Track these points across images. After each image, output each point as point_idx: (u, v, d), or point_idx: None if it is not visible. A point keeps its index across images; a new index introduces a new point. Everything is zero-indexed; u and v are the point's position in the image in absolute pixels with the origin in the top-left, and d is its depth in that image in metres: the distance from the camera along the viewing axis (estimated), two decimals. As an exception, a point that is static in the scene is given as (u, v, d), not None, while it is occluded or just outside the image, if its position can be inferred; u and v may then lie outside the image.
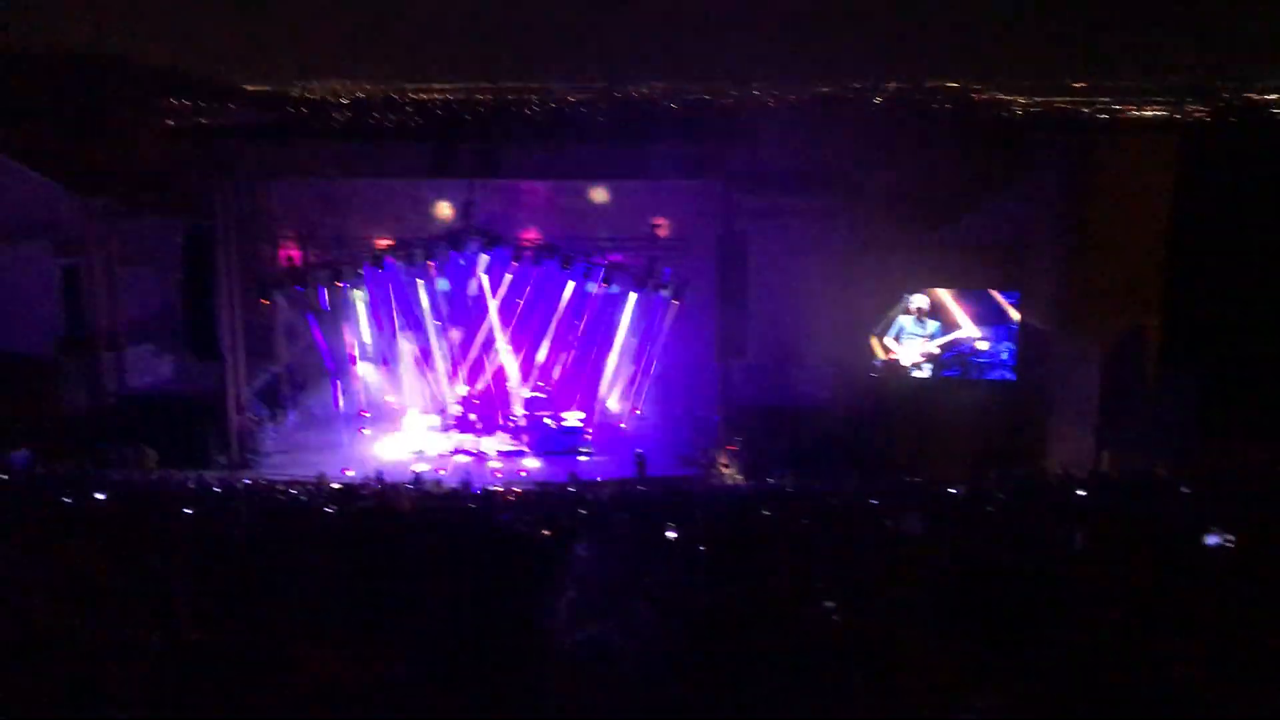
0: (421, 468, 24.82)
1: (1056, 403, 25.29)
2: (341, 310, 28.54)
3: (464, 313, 29.31)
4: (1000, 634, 4.12)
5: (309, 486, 21.82)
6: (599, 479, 24.49)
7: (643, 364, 29.15)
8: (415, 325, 29.20)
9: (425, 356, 29.36)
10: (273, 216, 29.42)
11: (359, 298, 28.43)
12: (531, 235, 28.13)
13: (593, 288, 28.23)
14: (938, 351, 26.19)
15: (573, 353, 29.43)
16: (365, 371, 29.17)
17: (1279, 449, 20.13)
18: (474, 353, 29.50)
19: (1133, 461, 21.62)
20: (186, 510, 15.33)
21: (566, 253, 27.74)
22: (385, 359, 29.30)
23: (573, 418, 28.36)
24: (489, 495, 20.64)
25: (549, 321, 29.07)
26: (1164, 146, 25.49)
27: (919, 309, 26.16)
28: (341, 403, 29.04)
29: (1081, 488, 18.19)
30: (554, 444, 27.40)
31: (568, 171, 26.62)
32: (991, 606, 4.11)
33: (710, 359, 26.60)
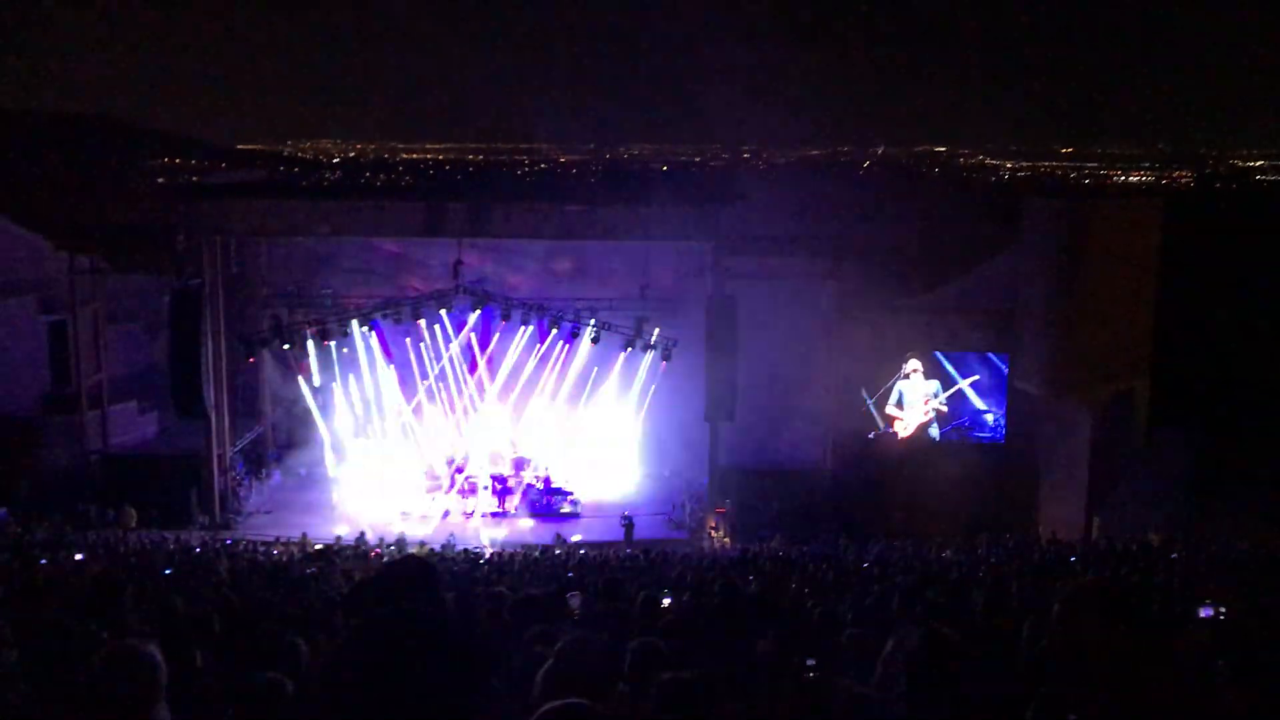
0: (407, 528, 24.51)
1: (1047, 466, 25.18)
2: (328, 368, 28.36)
3: (451, 371, 29.15)
4: (989, 702, 3.95)
5: (291, 547, 21.52)
6: (585, 542, 24.24)
7: (629, 424, 29.00)
8: (402, 384, 29.04)
9: (412, 415, 29.14)
10: (261, 275, 29.41)
11: (345, 356, 28.26)
12: (520, 294, 28.11)
13: (581, 347, 28.16)
14: (944, 408, 26.14)
15: (559, 412, 29.27)
16: (352, 430, 28.91)
17: (1271, 510, 20.02)
18: (460, 412, 29.31)
19: (1124, 526, 21.46)
20: (166, 570, 15.03)
21: (555, 312, 27.69)
22: (372, 417, 29.06)
23: (559, 479, 28.11)
24: (474, 557, 20.35)
25: (536, 380, 28.94)
26: (1151, 211, 25.70)
27: (914, 370, 26.15)
28: (330, 462, 28.74)
29: (1072, 554, 18.03)
30: (541, 506, 27.11)
31: (558, 231, 26.66)
32: (977, 677, 3.95)
33: (699, 420, 26.42)
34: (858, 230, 27.00)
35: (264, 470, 28.51)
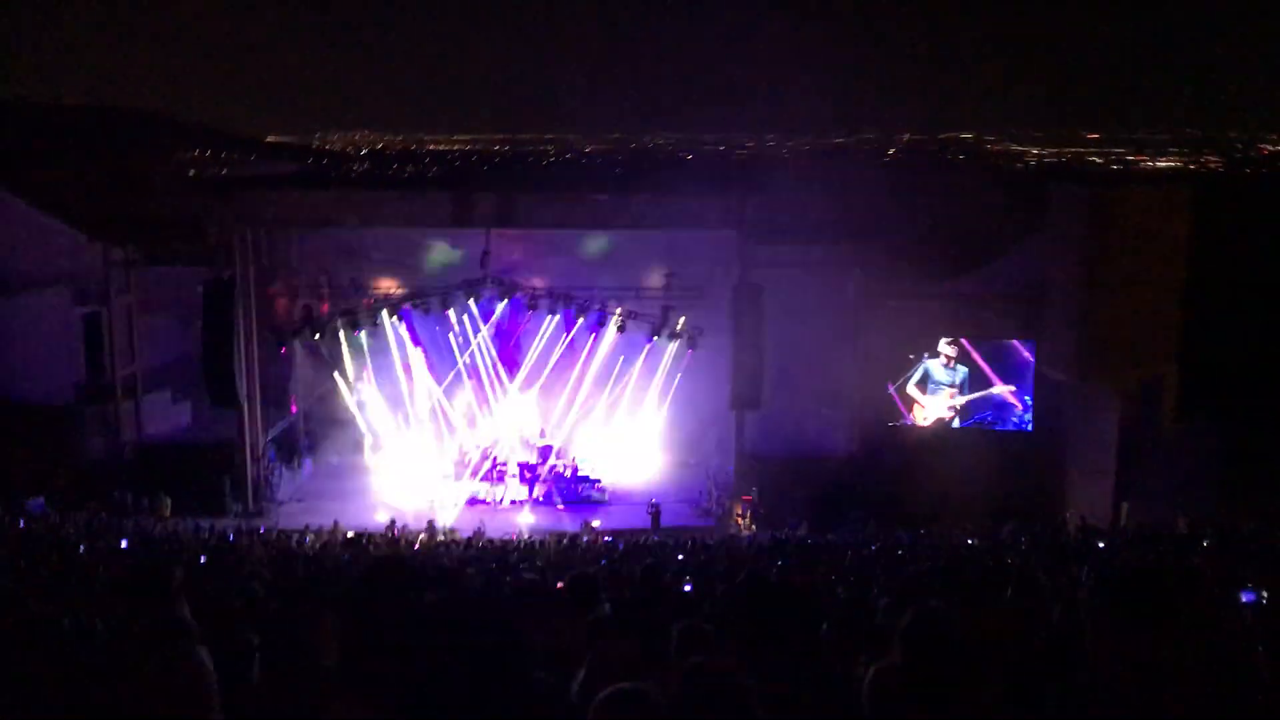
0: (436, 516, 24.75)
1: (1074, 453, 25.11)
2: (359, 358, 28.66)
3: (479, 360, 29.37)
4: (1016, 691, 4.04)
5: (324, 534, 21.80)
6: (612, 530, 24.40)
7: (655, 412, 29.14)
8: (431, 372, 29.31)
9: (440, 404, 29.41)
10: (292, 266, 29.70)
11: (375, 345, 28.53)
12: (547, 284, 28.26)
13: (607, 336, 28.30)
14: (962, 405, 26.09)
15: (586, 401, 29.44)
16: (382, 419, 29.19)
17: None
18: (489, 400, 29.53)
19: (1152, 512, 21.40)
20: (201, 558, 15.32)
21: (582, 301, 27.84)
22: (401, 407, 29.34)
23: (586, 467, 28.30)
24: (503, 545, 20.57)
25: (563, 370, 29.12)
26: (1179, 197, 25.50)
27: (948, 355, 26.04)
28: (361, 451, 29.05)
29: (1100, 540, 18.02)
30: (568, 494, 27.31)
31: (584, 221, 26.78)
32: (1005, 666, 4.04)
33: (725, 408, 26.53)
34: (883, 217, 26.91)
35: (296, 459, 28.84)
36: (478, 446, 28.91)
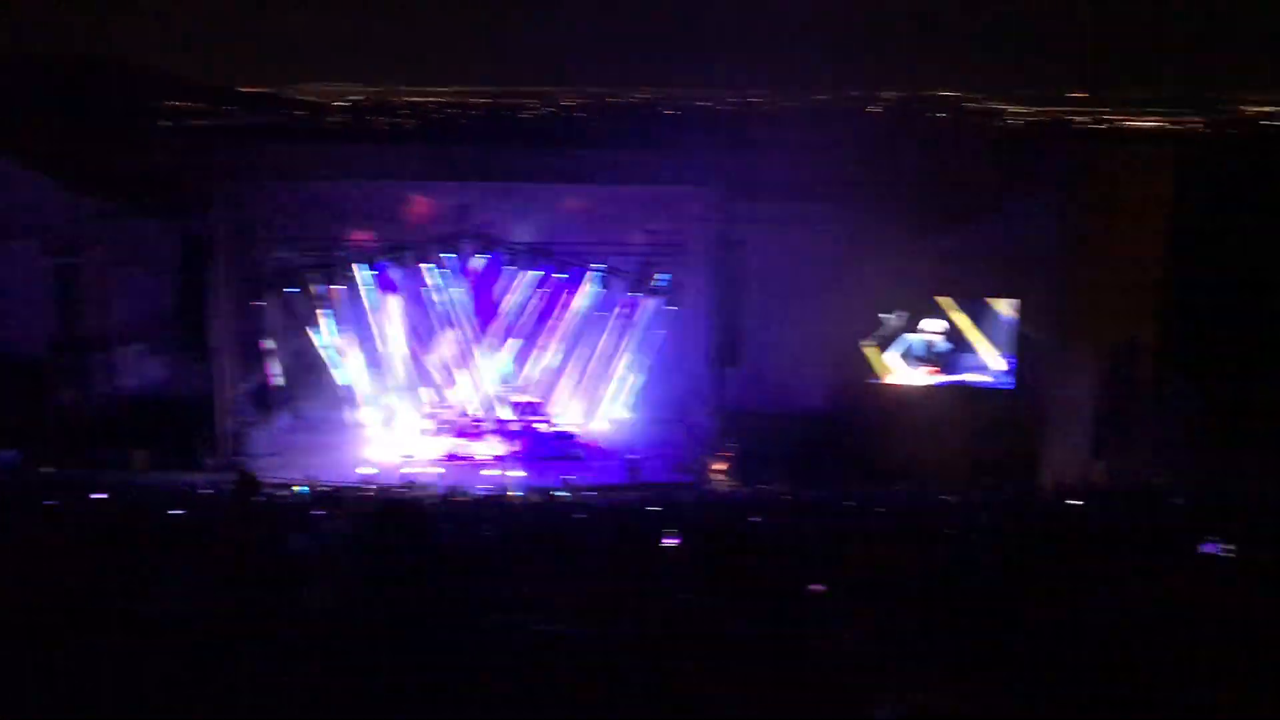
0: (413, 471, 24.68)
1: (1053, 412, 25.22)
2: (335, 311, 28.42)
3: (457, 316, 29.17)
4: (985, 641, 4.00)
5: (296, 488, 21.67)
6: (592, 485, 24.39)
7: (634, 368, 29.10)
8: (409, 328, 29.11)
9: (417, 359, 29.24)
10: (267, 218, 29.30)
11: (351, 299, 28.31)
12: (527, 239, 28.04)
13: (586, 291, 28.17)
14: (937, 373, 26.16)
15: (565, 357, 29.35)
16: (358, 373, 29.00)
17: (1275, 457, 20.06)
18: (466, 356, 29.37)
19: (1129, 471, 21.55)
20: (174, 511, 15.20)
21: (561, 256, 27.67)
22: (377, 361, 29.15)
23: (565, 423, 28.26)
24: (479, 501, 20.51)
25: (542, 325, 29.00)
26: (1162, 157, 25.48)
27: (935, 332, 26.06)
28: (337, 406, 28.90)
29: (1076, 498, 18.13)
30: (546, 449, 27.26)
31: (564, 176, 26.54)
32: (978, 615, 4.00)
33: (705, 365, 26.48)
34: (865, 176, 26.73)
35: (271, 414, 28.65)
36: (455, 402, 28.80)
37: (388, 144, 29.20)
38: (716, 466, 25.38)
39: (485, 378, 29.26)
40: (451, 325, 29.17)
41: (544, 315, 28.94)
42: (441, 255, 27.68)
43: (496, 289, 29.04)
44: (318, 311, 28.41)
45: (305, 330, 28.99)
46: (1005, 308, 25.84)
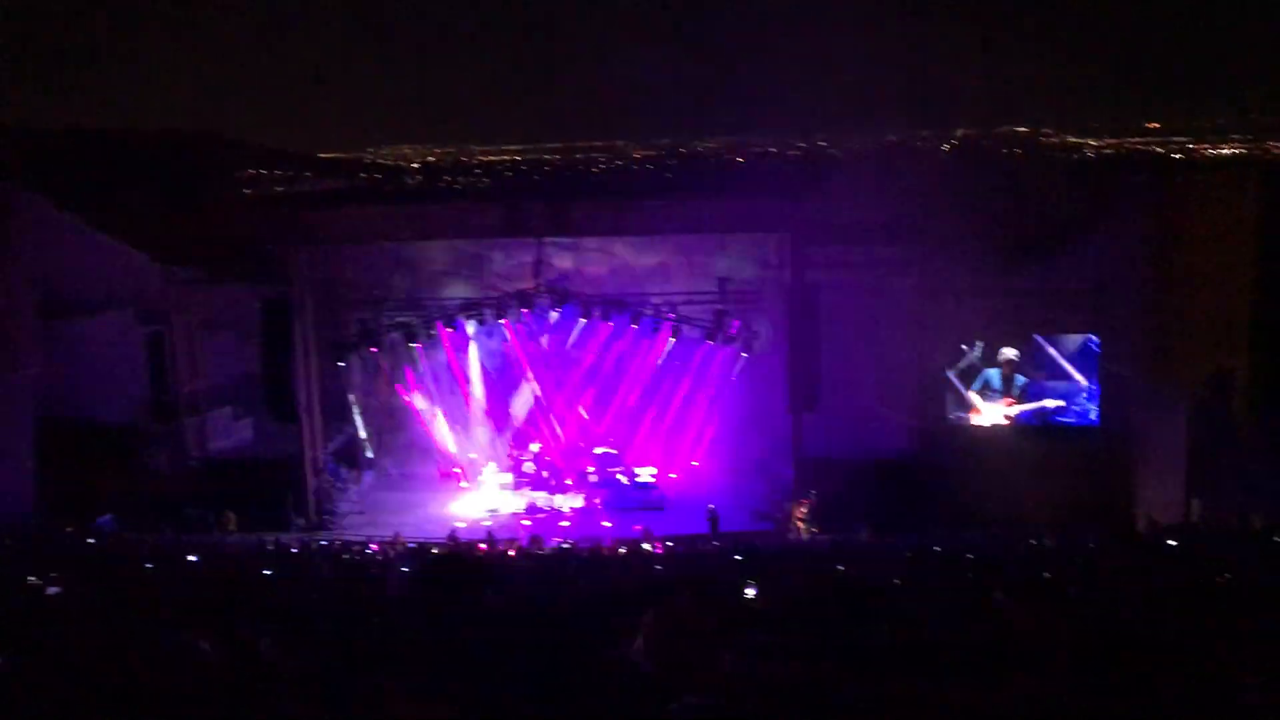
0: (495, 525, 24.82)
1: (1144, 450, 24.55)
2: (416, 370, 28.95)
3: (535, 370, 29.48)
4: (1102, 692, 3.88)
5: (385, 546, 21.92)
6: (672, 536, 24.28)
7: (712, 417, 29.05)
8: (487, 383, 29.50)
9: (497, 414, 29.58)
10: (347, 281, 30.03)
11: (432, 357, 28.79)
12: (600, 291, 28.29)
13: (661, 342, 28.27)
14: (1015, 413, 25.59)
15: (644, 408, 29.44)
16: (441, 430, 29.41)
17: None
18: (545, 409, 29.62)
19: (1225, 510, 20.84)
20: (265, 571, 15.47)
21: (636, 308, 27.83)
22: (460, 417, 29.54)
23: (645, 473, 28.25)
24: (562, 554, 20.54)
25: (618, 377, 29.15)
26: (1246, 183, 24.82)
27: (1008, 363, 25.54)
28: (420, 462, 29.32)
29: (1172, 537, 17.57)
30: (627, 501, 27.26)
31: (636, 227, 26.78)
32: (1090, 664, 3.88)
33: (783, 411, 26.33)
34: (940, 215, 26.50)
35: (356, 472, 29.13)
36: (535, 455, 29.01)
37: (462, 203, 29.69)
38: (797, 514, 25.14)
39: (564, 431, 29.45)
40: (530, 380, 29.48)
41: (620, 367, 29.09)
42: (518, 310, 28.03)
43: (572, 342, 29.29)
44: (400, 370, 28.95)
45: (388, 389, 29.55)
46: (1088, 344, 25.27)
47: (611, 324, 28.21)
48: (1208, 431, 23.55)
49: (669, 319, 27.83)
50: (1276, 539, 15.76)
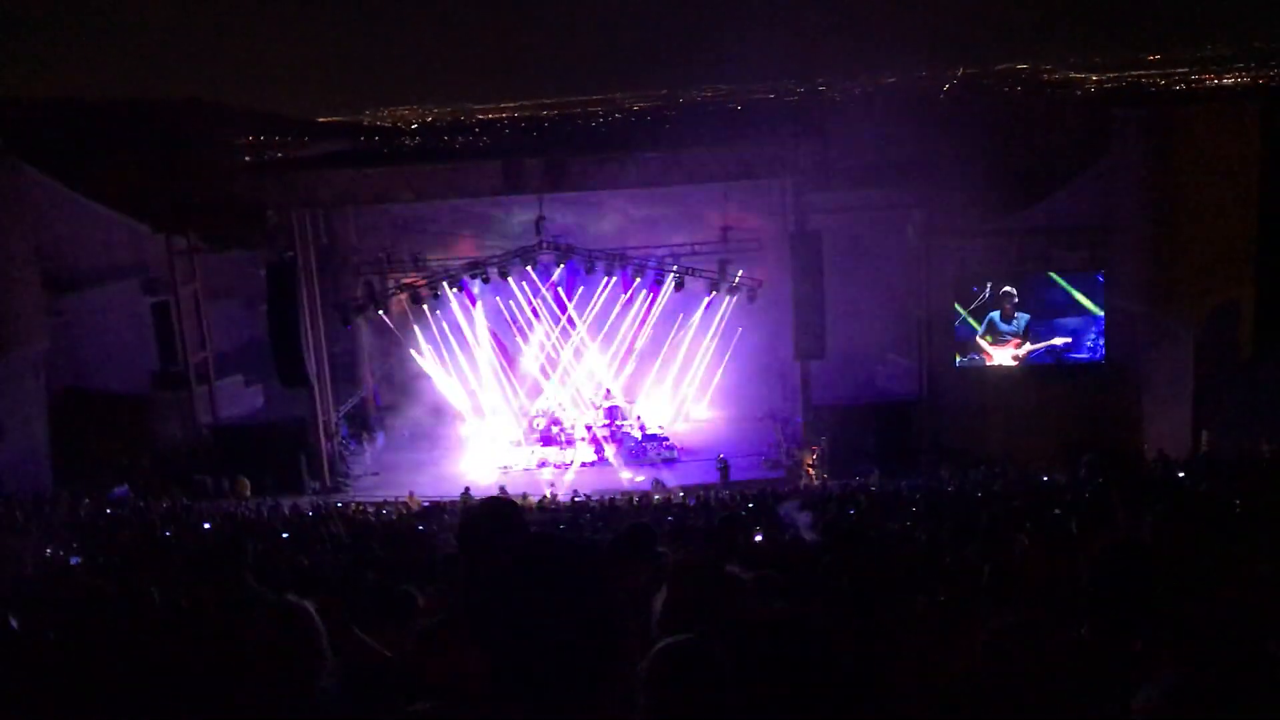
0: (507, 482, 25.00)
1: (1150, 383, 24.58)
2: (423, 330, 29.01)
3: (541, 326, 29.54)
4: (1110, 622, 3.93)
5: (399, 506, 22.14)
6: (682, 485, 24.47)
7: (718, 367, 29.13)
8: (494, 340, 29.59)
9: (505, 371, 29.69)
10: (351, 244, 30.03)
11: (438, 317, 28.84)
12: (603, 245, 28.25)
13: (666, 293, 28.27)
14: (1024, 353, 25.52)
15: (649, 359, 29.52)
16: (450, 389, 29.52)
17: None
18: (553, 365, 29.71)
19: (1233, 440, 20.90)
20: (283, 534, 15.66)
21: (639, 260, 27.80)
22: (467, 376, 29.65)
23: (653, 425, 28.39)
24: (576, 506, 20.72)
25: (624, 330, 29.19)
26: (1248, 114, 24.60)
27: (1008, 303, 25.44)
28: (431, 422, 29.47)
29: (1180, 469, 17.67)
30: (637, 453, 27.42)
31: (636, 180, 26.66)
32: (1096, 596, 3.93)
33: (789, 358, 26.39)
34: (941, 155, 26.34)
35: (368, 434, 29.29)
36: (544, 411, 29.14)
37: (462, 162, 29.57)
38: (807, 460, 25.28)
39: (573, 385, 29.56)
40: (536, 336, 29.55)
41: (626, 320, 29.13)
42: (522, 267, 28.03)
43: (577, 297, 29.30)
44: (406, 331, 29.03)
45: (396, 350, 29.66)
46: (1093, 279, 25.20)
47: (615, 277, 28.18)
48: (1214, 363, 23.58)
49: (673, 270, 27.80)
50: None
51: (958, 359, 25.68)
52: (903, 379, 27.09)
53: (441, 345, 29.30)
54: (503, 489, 23.77)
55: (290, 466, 26.05)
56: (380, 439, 29.62)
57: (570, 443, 28.03)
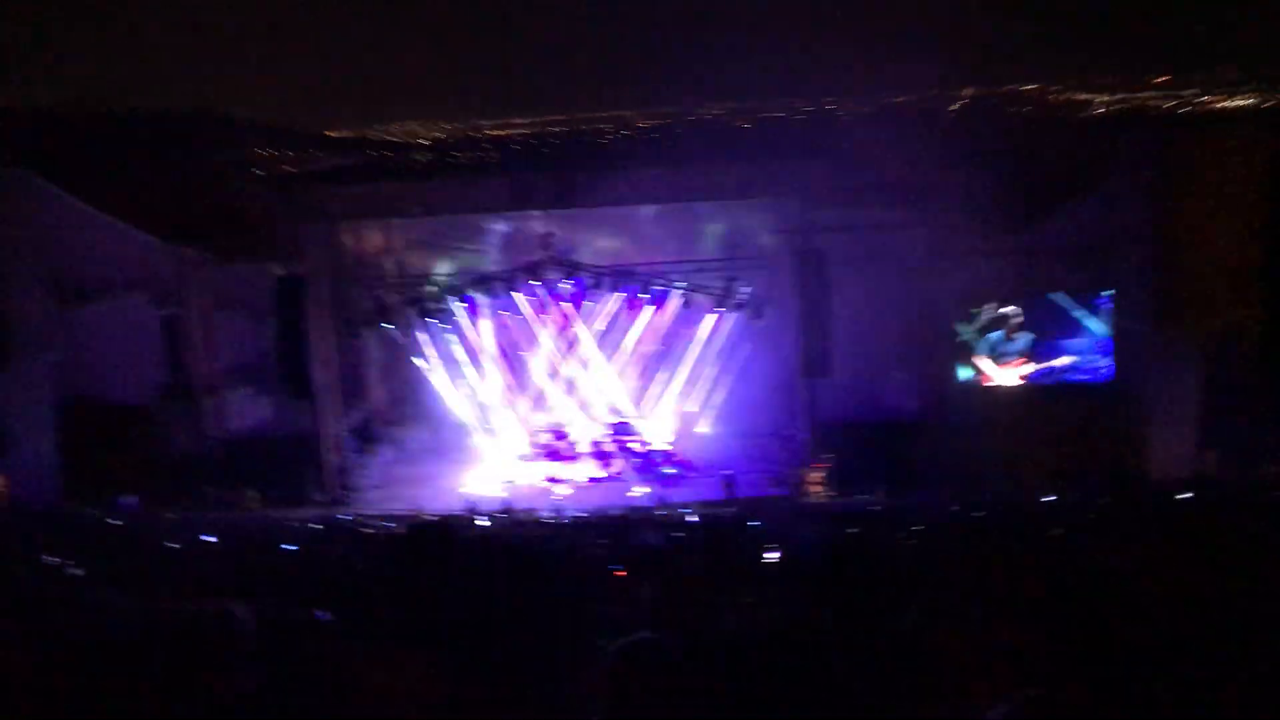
0: (513, 497, 25.03)
1: (1156, 405, 24.57)
2: (430, 344, 29.12)
3: (547, 341, 29.63)
4: (1090, 645, 3.98)
5: (406, 520, 22.15)
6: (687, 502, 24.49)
7: (724, 384, 29.20)
8: (501, 355, 29.68)
9: (511, 386, 29.76)
10: (359, 257, 30.18)
11: (445, 331, 28.96)
12: (609, 262, 28.36)
13: (671, 310, 28.35)
14: (1028, 373, 25.50)
15: (654, 376, 29.59)
16: (456, 404, 29.61)
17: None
18: (558, 380, 29.78)
19: (1239, 463, 20.89)
20: (288, 546, 15.68)
21: (645, 277, 27.89)
22: (473, 391, 29.73)
23: (658, 441, 28.42)
24: (577, 522, 20.73)
25: (630, 346, 29.27)
26: (1255, 135, 24.66)
27: (1013, 323, 25.46)
28: (438, 437, 29.56)
29: (1185, 491, 17.66)
30: (642, 469, 27.45)
31: (643, 197, 26.78)
32: (1082, 619, 3.98)
33: (795, 377, 26.42)
34: (948, 174, 26.43)
35: (374, 447, 29.37)
36: (551, 426, 29.19)
37: (471, 178, 29.77)
38: (811, 478, 25.28)
39: (579, 400, 29.62)
40: (541, 351, 29.64)
41: (631, 335, 29.22)
42: (528, 283, 28.14)
43: (583, 313, 29.40)
44: (413, 345, 29.14)
45: (403, 364, 29.76)
46: (1098, 300, 25.23)
47: (622, 293, 28.28)
48: (1221, 384, 23.57)
49: (678, 287, 27.88)
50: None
51: (960, 377, 25.69)
52: (908, 397, 27.10)
53: (448, 359, 29.40)
54: (507, 505, 23.82)
55: (296, 479, 26.13)
56: (386, 452, 29.69)
57: (574, 458, 28.07)
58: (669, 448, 28.24)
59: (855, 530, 14.29)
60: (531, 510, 23.13)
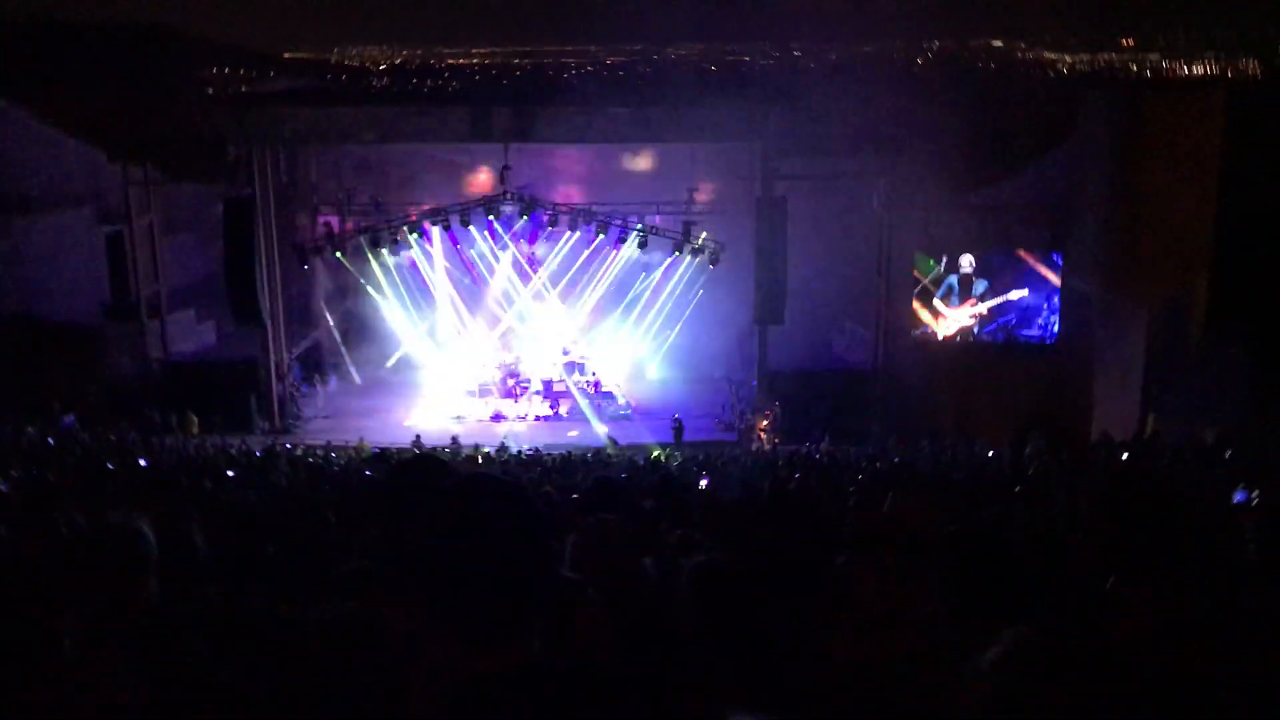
0: (460, 432, 24.96)
1: (1101, 366, 24.91)
2: (382, 275, 28.76)
3: (501, 277, 29.39)
4: (1009, 595, 3.99)
5: (349, 450, 22.05)
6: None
7: (676, 328, 29.20)
8: (454, 290, 29.40)
9: (462, 321, 29.55)
10: (311, 184, 29.65)
11: (397, 262, 28.62)
12: (568, 199, 28.10)
13: (628, 251, 28.19)
14: (985, 313, 25.68)
15: (608, 317, 29.51)
16: (406, 336, 29.37)
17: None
18: (511, 317, 29.61)
19: (1181, 425, 21.26)
20: (229, 473, 15.53)
21: (603, 217, 27.67)
22: (424, 324, 29.48)
23: (609, 383, 28.41)
24: (528, 459, 20.73)
25: (585, 286, 29.11)
26: (1214, 103, 24.81)
27: (967, 270, 25.57)
28: (386, 368, 29.34)
29: (1124, 451, 17.98)
30: (592, 409, 27.46)
31: (604, 135, 26.48)
32: (1002, 570, 3.99)
33: (748, 323, 26.47)
34: (910, 128, 26.42)
35: (321, 376, 29.09)
36: (501, 363, 29.05)
37: (430, 106, 29.18)
38: (760, 425, 25.43)
39: (530, 339, 29.48)
40: (495, 287, 29.41)
41: (586, 276, 29.05)
42: (484, 217, 27.81)
43: (539, 250, 29.17)
44: (365, 275, 28.76)
45: (353, 294, 29.40)
46: (1051, 260, 25.42)
47: (578, 232, 28.06)
48: (1166, 348, 23.93)
49: (636, 229, 27.70)
50: (1227, 454, 16.16)
51: (915, 331, 25.87)
52: (859, 349, 27.28)
53: (400, 291, 29.08)
54: (455, 439, 23.74)
55: (240, 405, 25.84)
56: (333, 382, 29.44)
57: (526, 395, 28.00)
58: (619, 389, 28.24)
59: (797, 475, 14.39)
60: (478, 445, 23.07)
